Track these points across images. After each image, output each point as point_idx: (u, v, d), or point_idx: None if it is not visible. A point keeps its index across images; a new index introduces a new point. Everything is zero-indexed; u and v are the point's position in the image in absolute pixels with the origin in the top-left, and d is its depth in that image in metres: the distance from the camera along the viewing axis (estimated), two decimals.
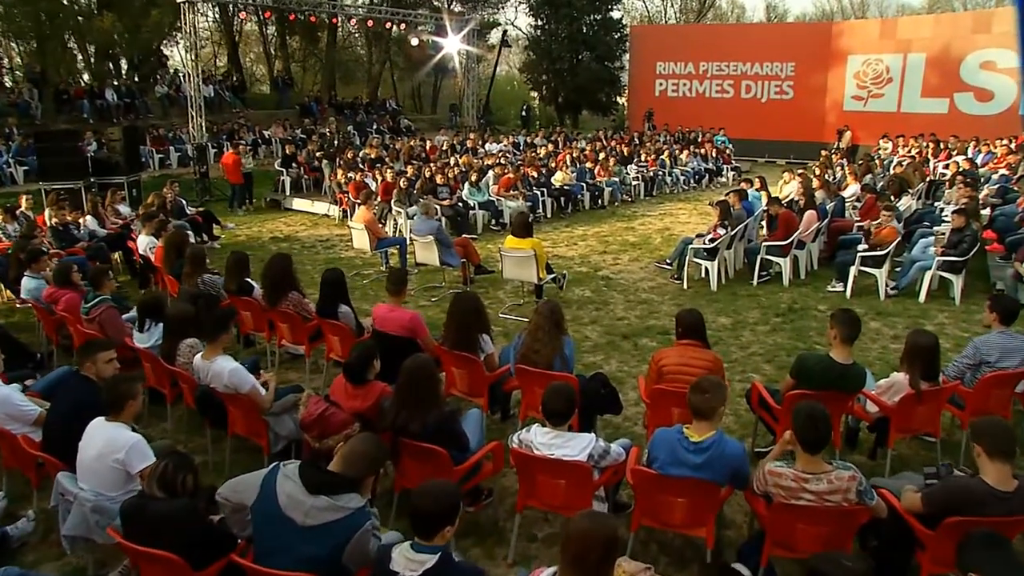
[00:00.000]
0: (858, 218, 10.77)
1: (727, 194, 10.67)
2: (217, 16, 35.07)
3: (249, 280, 6.79)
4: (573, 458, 3.65)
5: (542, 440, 3.74)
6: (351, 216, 13.67)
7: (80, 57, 25.08)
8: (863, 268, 8.81)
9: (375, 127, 26.55)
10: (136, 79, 26.06)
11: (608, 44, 32.53)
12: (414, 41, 23.77)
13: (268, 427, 4.70)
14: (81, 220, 10.59)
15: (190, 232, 10.96)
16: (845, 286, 8.92)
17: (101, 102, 22.52)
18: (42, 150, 15.07)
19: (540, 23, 33.84)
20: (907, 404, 4.41)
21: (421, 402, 3.92)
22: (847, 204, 11.85)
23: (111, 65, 24.88)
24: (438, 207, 13.07)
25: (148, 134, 20.75)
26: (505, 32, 31.31)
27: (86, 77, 26.06)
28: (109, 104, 22.62)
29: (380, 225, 13.18)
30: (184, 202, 12.91)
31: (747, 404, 5.27)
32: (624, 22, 34.32)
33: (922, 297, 8.63)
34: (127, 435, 3.61)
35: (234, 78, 29.50)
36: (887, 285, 8.74)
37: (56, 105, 22.04)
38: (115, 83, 23.63)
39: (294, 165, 17.41)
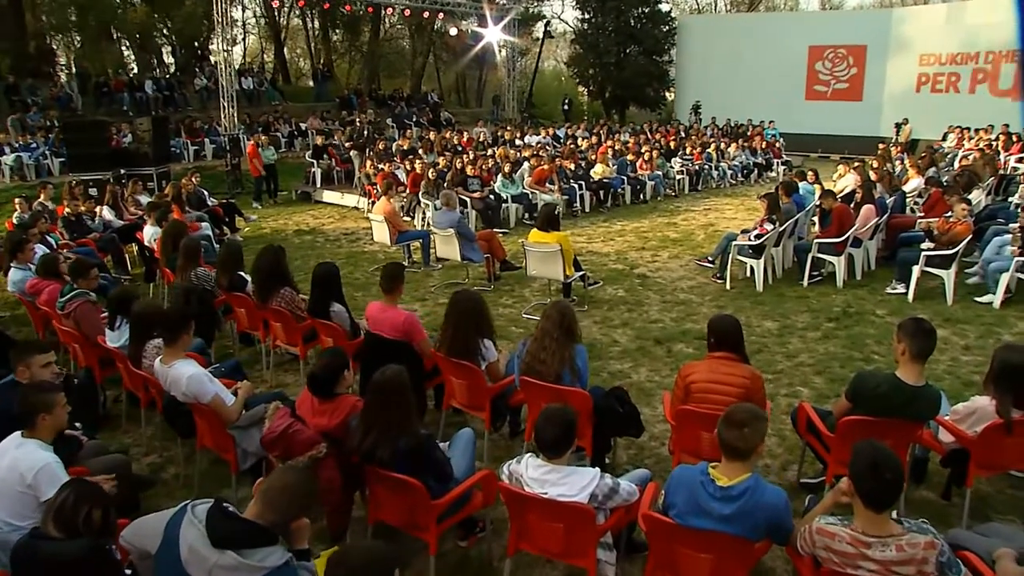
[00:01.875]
0: (921, 213, 9.77)
1: (776, 187, 9.78)
2: (262, 10, 35.30)
3: (243, 274, 6.25)
4: (571, 499, 2.96)
5: (534, 475, 3.06)
6: None
7: (123, 51, 25.21)
8: (927, 268, 7.87)
9: (414, 119, 26.12)
10: (177, 72, 26.19)
11: (656, 37, 31.51)
12: (453, 31, 23.23)
13: (235, 442, 4.13)
14: (97, 210, 10.27)
15: (205, 224, 10.59)
16: (907, 288, 7.98)
17: (140, 95, 22.58)
18: (70, 141, 14.99)
19: (587, 16, 33.02)
20: (993, 436, 3.59)
21: (392, 423, 3.28)
22: (908, 199, 10.84)
23: (154, 58, 24.93)
24: (467, 199, 12.51)
25: (184, 126, 20.70)
26: (548, 23, 30.58)
27: (134, 69, 26.30)
28: (148, 97, 22.68)
29: (408, 218, 12.69)
30: (206, 193, 12.57)
31: (792, 426, 4.48)
32: (673, 15, 33.25)
33: (997, 302, 7.65)
34: (37, 455, 3.05)
35: (272, 70, 29.41)
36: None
37: (96, 98, 22.17)
38: (155, 75, 23.73)
39: (325, 156, 17.03)
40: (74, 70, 27.04)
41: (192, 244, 6.57)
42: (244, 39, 40.07)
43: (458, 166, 13.43)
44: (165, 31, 24.07)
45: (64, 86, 22.08)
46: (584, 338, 7.04)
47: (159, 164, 15.41)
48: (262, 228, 13.35)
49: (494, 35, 23.06)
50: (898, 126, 22.34)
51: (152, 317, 4.52)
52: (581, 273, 7.97)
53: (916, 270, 7.87)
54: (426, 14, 22.67)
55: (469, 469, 3.63)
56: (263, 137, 16.51)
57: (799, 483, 4.33)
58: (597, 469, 3.07)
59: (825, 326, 7.22)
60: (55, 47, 28.33)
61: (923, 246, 8.11)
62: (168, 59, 28.00)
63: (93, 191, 12.37)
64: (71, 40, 26.18)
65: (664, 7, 32.40)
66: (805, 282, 8.58)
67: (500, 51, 25.30)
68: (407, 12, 22.63)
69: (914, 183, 11.42)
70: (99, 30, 21.68)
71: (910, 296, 7.93)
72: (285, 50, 37.77)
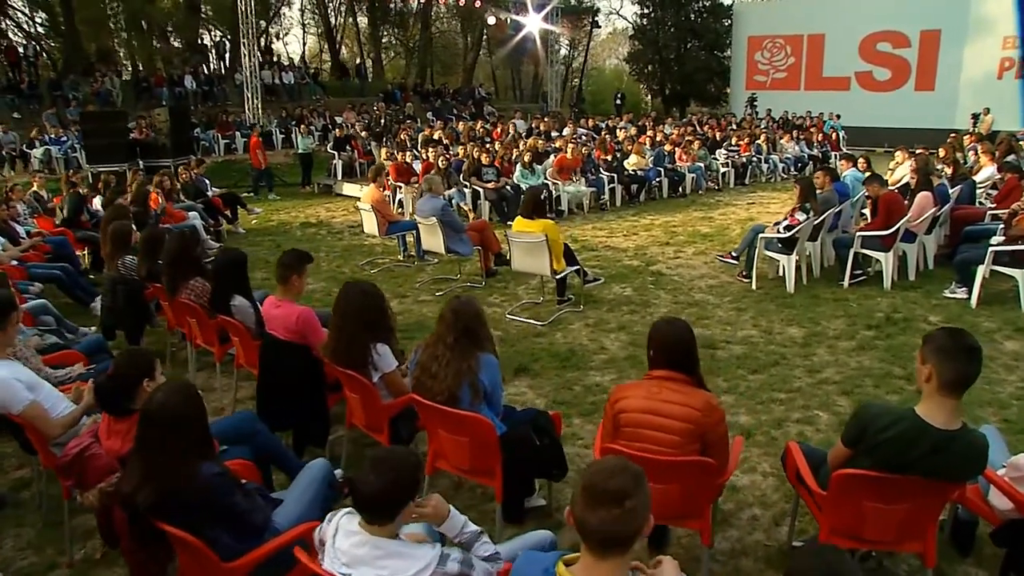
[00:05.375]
0: (992, 205, 8.31)
1: (814, 172, 8.48)
2: (313, 6, 35.44)
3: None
4: None
5: (343, 544, 2.07)
6: (393, 199, 12.44)
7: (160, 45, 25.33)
8: (996, 267, 6.49)
9: (455, 113, 25.38)
10: (223, 66, 26.20)
11: (717, 32, 30.22)
12: (491, 19, 22.36)
13: None
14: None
15: (194, 214, 9.94)
16: (969, 291, 6.62)
17: (179, 90, 22.50)
18: (89, 132, 14.71)
19: (646, 11, 31.98)
20: None
21: (157, 462, 2.33)
22: (979, 191, 9.33)
23: (189, 52, 24.93)
24: (480, 189, 11.60)
25: (217, 120, 20.50)
26: (596, 11, 29.58)
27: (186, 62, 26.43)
28: (187, 92, 22.58)
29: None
30: (208, 183, 12.01)
31: (783, 470, 3.34)
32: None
33: None
34: None
35: (313, 66, 29.33)
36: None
37: (136, 93, 22.19)
38: (195, 70, 23.66)
39: (348, 148, 16.40)
40: (129, 66, 27.49)
41: (121, 229, 5.80)
42: (303, 34, 40.40)
43: (475, 155, 12.52)
44: (208, 24, 23.90)
45: (104, 81, 22.17)
46: (566, 344, 6.04)
47: (178, 156, 15.01)
48: (270, 221, 12.74)
49: (535, 24, 22.04)
50: (975, 116, 20.34)
51: None
52: (576, 267, 6.90)
53: (981, 270, 6.51)
54: (461, 2, 21.82)
55: (303, 517, 2.64)
56: (302, 127, 16.09)
57: (790, 546, 3.21)
58: (438, 548, 2.04)
59: (862, 335, 5.96)
60: (118, 48, 28.83)
61: (992, 240, 6.73)
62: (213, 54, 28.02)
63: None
64: (119, 37, 26.39)
65: (726, 0, 30.96)
66: (846, 282, 7.29)
67: (548, 41, 24.16)
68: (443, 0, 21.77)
69: (986, 172, 9.86)
70: (133, 23, 21.62)
71: (973, 301, 6.56)
72: (343, 48, 37.89)
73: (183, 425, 2.37)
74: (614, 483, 1.63)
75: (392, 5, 32.60)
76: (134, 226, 6.88)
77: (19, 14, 27.87)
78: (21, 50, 23.82)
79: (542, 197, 6.78)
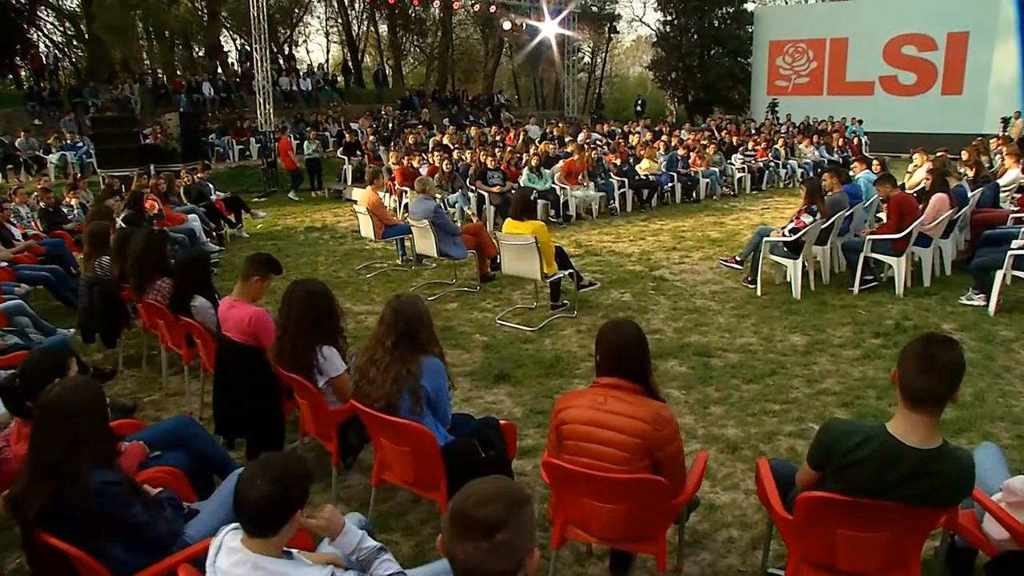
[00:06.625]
0: (1016, 208, 7.90)
1: (822, 172, 8.13)
2: (336, 14, 35.61)
3: None
4: None
5: (224, 563, 1.85)
6: (400, 204, 12.31)
7: (179, 50, 25.51)
8: (1016, 272, 6.11)
9: (471, 119, 25.28)
10: (239, 72, 26.33)
11: (740, 38, 29.86)
12: (507, 24, 22.21)
13: None
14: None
15: (194, 217, 9.84)
16: (987, 298, 6.24)
17: (197, 96, 22.66)
18: (98, 137, 14.75)
19: (668, 18, 31.73)
20: None
21: (48, 458, 2.13)
22: (1004, 194, 8.88)
23: (208, 58, 25.11)
24: (485, 193, 11.39)
25: (233, 125, 20.60)
26: (616, 18, 29.39)
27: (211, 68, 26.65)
28: (205, 98, 22.74)
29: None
30: (211, 187, 11.93)
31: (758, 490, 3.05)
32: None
33: None
34: None
35: (332, 73, 29.45)
36: None
37: (154, 99, 22.38)
38: (212, 77, 23.86)
39: (358, 153, 16.32)
40: (150, 73, 27.80)
41: (98, 230, 5.67)
42: (327, 42, 40.66)
43: (481, 158, 12.34)
44: (229, 31, 24.05)
45: (123, 88, 22.39)
46: (553, 351, 5.78)
47: (189, 160, 15.01)
48: (275, 225, 12.64)
49: (550, 29, 21.86)
50: (1006, 120, 19.73)
51: None
52: (568, 271, 6.64)
53: (1000, 275, 6.13)
54: (475, 6, 21.70)
55: (215, 530, 2.41)
56: (312, 133, 16.12)
57: (765, 574, 2.92)
58: (328, 569, 1.81)
59: (868, 343, 5.61)
60: (139, 54, 29.18)
61: (1013, 244, 6.35)
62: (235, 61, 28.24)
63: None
64: (138, 45, 26.65)
65: (749, 7, 30.62)
66: (855, 288, 6.94)
67: (565, 47, 23.92)
68: (456, 4, 21.67)
69: (1011, 174, 9.41)
70: (151, 30, 21.80)
71: (991, 308, 6.18)
72: (366, 56, 38.08)
73: (77, 419, 2.18)
74: (484, 512, 1.38)
75: (411, 13, 32.65)
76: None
77: (47, 24, 28.42)
78: (44, 58, 24.25)
79: (531, 198, 6.52)
